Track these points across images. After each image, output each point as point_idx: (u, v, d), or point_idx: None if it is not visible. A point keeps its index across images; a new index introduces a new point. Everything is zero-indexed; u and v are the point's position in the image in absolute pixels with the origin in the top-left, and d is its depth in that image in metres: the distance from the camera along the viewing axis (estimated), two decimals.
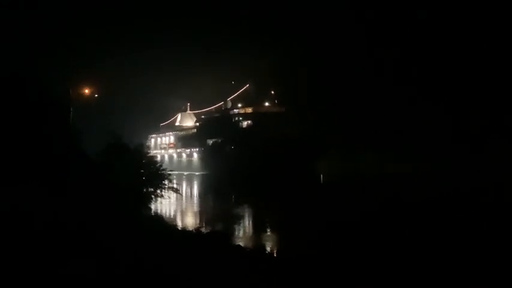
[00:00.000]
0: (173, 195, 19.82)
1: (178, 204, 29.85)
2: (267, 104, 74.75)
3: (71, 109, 24.13)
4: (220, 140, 77.29)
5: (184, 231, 17.25)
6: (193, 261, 9.96)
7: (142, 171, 18.60)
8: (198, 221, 23.87)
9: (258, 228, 21.90)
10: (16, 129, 18.38)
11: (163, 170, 19.21)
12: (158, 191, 18.61)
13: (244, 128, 74.06)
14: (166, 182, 19.04)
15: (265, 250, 15.99)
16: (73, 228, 10.42)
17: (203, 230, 17.30)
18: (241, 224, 22.77)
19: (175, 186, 20.30)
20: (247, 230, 21.87)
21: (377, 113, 75.54)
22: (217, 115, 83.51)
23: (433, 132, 69.46)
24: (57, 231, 10.03)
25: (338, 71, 78.38)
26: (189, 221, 23.98)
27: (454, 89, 72.38)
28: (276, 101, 74.33)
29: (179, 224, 20.85)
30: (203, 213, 28.49)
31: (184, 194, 40.66)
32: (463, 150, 65.00)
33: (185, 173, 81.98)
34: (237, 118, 76.31)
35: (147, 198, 18.19)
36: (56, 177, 15.63)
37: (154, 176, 18.73)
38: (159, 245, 10.87)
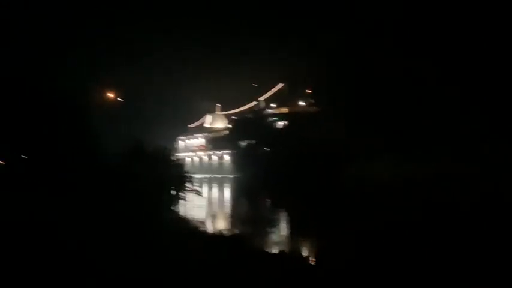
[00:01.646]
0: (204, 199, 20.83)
1: (208, 208, 29.45)
2: (302, 103, 71.26)
3: (92, 113, 24.36)
4: (253, 142, 74.31)
5: (206, 234, 16.65)
6: (202, 263, 9.56)
7: (164, 174, 18.51)
8: (224, 225, 22.42)
9: (290, 233, 20.43)
10: (34, 134, 19.46)
11: (186, 172, 19.67)
12: (181, 194, 18.86)
13: (279, 129, 70.76)
14: (188, 184, 19.33)
15: (288, 255, 14.36)
16: (95, 231, 10.70)
17: (227, 233, 16.52)
18: (274, 229, 20.88)
19: (198, 189, 20.44)
20: (278, 235, 19.89)
21: (415, 114, 71.25)
22: (250, 116, 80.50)
23: (472, 132, 65.36)
24: (78, 237, 10.20)
25: (376, 70, 74.41)
26: (216, 224, 22.60)
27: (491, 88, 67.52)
28: (311, 101, 70.77)
29: (205, 227, 19.38)
30: (234, 217, 26.92)
31: (216, 198, 40.99)
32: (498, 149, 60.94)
33: (217, 176, 79.73)
34: (271, 119, 73.08)
35: (170, 202, 18.26)
36: (75, 183, 15.96)
37: (177, 179, 18.93)
38: (173, 249, 10.48)
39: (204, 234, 16.20)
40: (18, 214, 12.51)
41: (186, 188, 19.42)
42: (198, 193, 20.48)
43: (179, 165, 21.26)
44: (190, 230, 15.96)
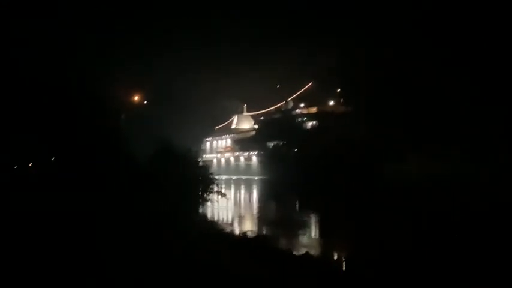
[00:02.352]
0: (231, 200, 21.30)
1: (234, 209, 29.27)
2: (331, 103, 69.63)
3: (122, 116, 25.45)
4: (282, 143, 73.05)
5: (229, 235, 16.21)
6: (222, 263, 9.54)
7: (190, 175, 18.67)
8: (250, 226, 21.71)
9: (321, 236, 19.76)
10: (71, 138, 20.35)
11: (211, 174, 19.73)
12: (205, 196, 19.06)
13: (308, 129, 69.31)
14: (213, 186, 19.50)
15: (314, 258, 13.60)
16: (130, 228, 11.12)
17: (251, 234, 16.01)
18: (303, 231, 20.34)
19: (222, 190, 20.59)
20: (307, 237, 19.29)
21: (448, 114, 68.88)
22: (277, 116, 79.30)
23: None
24: (113, 233, 10.63)
25: (408, 69, 72.34)
26: (242, 226, 21.86)
27: None
28: (341, 100, 69.05)
29: (230, 229, 18.65)
30: (260, 218, 26.01)
31: (242, 200, 40.25)
32: None
33: (244, 177, 78.82)
34: (300, 119, 71.68)
35: (196, 203, 18.52)
36: (107, 183, 16.52)
37: (202, 181, 19.16)
38: (195, 249, 10.48)
39: (228, 235, 15.82)
40: (58, 211, 13.21)
41: (211, 190, 19.61)
42: (223, 195, 20.57)
43: (204, 166, 21.51)
44: (214, 231, 15.70)
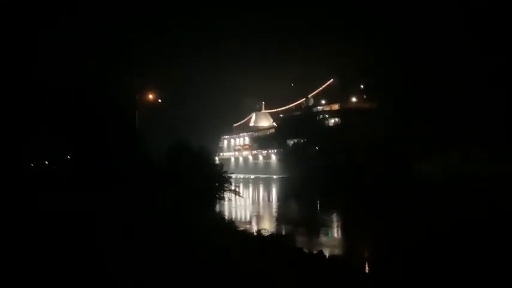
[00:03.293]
0: (249, 199, 21.60)
1: (253, 209, 29.11)
2: (354, 99, 67.40)
3: (139, 116, 25.06)
4: (302, 140, 71.16)
5: (243, 233, 15.70)
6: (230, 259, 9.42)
7: (205, 174, 18.72)
8: (266, 225, 20.66)
9: (338, 236, 19.11)
10: (84, 138, 20.64)
11: (225, 172, 19.74)
12: (221, 194, 19.19)
13: (331, 126, 67.25)
14: (227, 184, 19.62)
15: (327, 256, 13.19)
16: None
17: (264, 232, 15.74)
18: (320, 231, 19.60)
19: (237, 189, 20.92)
20: (324, 237, 18.57)
21: (476, 112, 66.68)
22: (298, 113, 77.33)
23: None
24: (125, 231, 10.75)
25: (433, 65, 70.23)
26: (259, 225, 20.91)
27: None
28: (364, 97, 66.86)
29: (245, 228, 17.84)
30: (278, 218, 24.92)
31: (260, 198, 39.38)
32: None
33: (262, 176, 77.23)
34: (321, 116, 69.63)
35: (210, 201, 18.52)
36: (125, 182, 16.75)
37: (217, 179, 19.16)
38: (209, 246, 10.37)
39: (241, 233, 15.45)
40: (74, 209, 13.28)
41: (226, 188, 19.75)
42: (238, 193, 20.83)
43: (219, 165, 21.71)
44: (227, 229, 15.51)
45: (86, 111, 21.92)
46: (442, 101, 65.83)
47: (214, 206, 19.62)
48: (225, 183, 19.92)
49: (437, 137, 60.09)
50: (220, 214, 20.37)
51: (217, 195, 19.45)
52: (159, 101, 33.37)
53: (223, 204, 22.47)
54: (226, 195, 20.47)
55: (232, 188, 20.61)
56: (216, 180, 19.54)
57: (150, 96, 30.90)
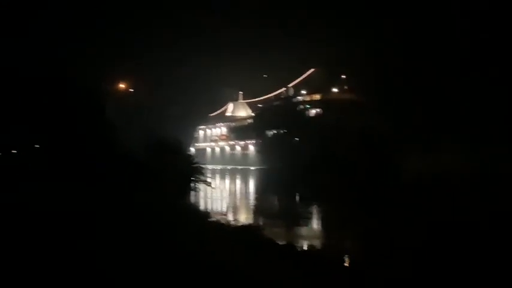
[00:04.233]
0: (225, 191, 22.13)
1: (227, 201, 28.59)
2: (336, 90, 66.10)
3: (111, 106, 25.20)
4: (282, 131, 69.62)
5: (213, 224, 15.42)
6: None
7: (175, 165, 18.58)
8: (238, 217, 20.36)
9: (313, 228, 18.44)
10: (53, 127, 20.36)
11: (197, 163, 20.22)
12: (192, 185, 19.16)
13: (312, 117, 65.80)
14: (200, 176, 19.76)
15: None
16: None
17: (235, 223, 16.03)
18: (296, 223, 18.81)
19: (208, 180, 20.98)
20: (298, 229, 17.71)
21: (464, 106, 66.39)
22: (277, 103, 75.66)
23: None
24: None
25: (418, 56, 69.70)
26: (231, 216, 20.23)
27: None
28: (345, 87, 65.64)
29: (217, 219, 17.33)
30: (253, 210, 24.22)
31: (236, 190, 38.75)
32: None
33: (240, 167, 75.67)
34: (302, 106, 68.10)
35: (182, 192, 18.33)
36: (95, 172, 16.45)
37: (188, 170, 19.21)
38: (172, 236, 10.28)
39: (211, 223, 15.27)
40: (45, 202, 12.73)
41: (197, 179, 19.76)
42: (208, 184, 20.87)
43: (191, 156, 22.36)
44: (198, 220, 15.17)
45: (55, 99, 21.68)
46: (430, 96, 65.42)
47: (187, 197, 19.46)
48: (198, 174, 19.89)
49: (422, 133, 59.53)
50: (193, 205, 20.03)
51: (189, 187, 19.31)
52: (131, 90, 32.88)
53: (200, 197, 22.59)
54: (202, 186, 20.56)
55: (205, 179, 20.62)
56: (188, 171, 19.47)
57: (122, 86, 30.26)
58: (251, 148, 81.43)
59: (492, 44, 68.28)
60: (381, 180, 43.54)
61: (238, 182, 50.52)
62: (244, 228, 14.78)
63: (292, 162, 58.23)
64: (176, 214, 13.91)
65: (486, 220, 17.23)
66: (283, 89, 77.49)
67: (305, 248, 13.19)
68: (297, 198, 31.62)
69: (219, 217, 18.03)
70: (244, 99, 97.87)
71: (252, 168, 73.21)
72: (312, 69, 71.86)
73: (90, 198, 13.55)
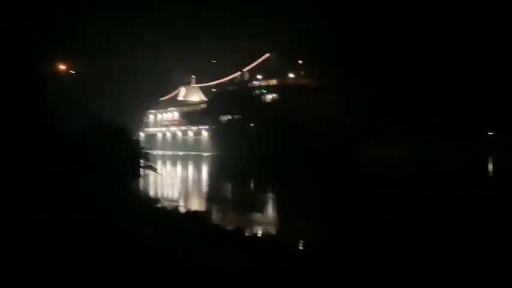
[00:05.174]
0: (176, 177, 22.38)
1: (180, 188, 28.15)
2: (292, 75, 64.86)
3: (51, 86, 23.55)
4: (237, 116, 67.90)
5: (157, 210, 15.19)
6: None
7: (119, 150, 18.30)
8: (184, 203, 20.02)
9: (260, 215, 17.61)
10: None
11: (142, 148, 19.84)
12: (136, 170, 18.96)
13: (268, 102, 64.37)
14: (145, 161, 19.45)
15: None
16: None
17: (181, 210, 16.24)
18: (245, 209, 18.40)
19: (153, 165, 20.65)
20: (247, 215, 17.20)
21: (415, 93, 67.36)
22: (232, 88, 73.60)
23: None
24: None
25: (373, 45, 69.85)
26: (177, 203, 19.69)
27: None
28: (302, 73, 64.61)
29: (161, 205, 16.92)
30: (205, 197, 23.43)
31: (190, 177, 37.12)
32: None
33: (192, 153, 73.40)
34: (258, 91, 66.46)
35: (125, 178, 18.03)
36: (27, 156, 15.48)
37: (132, 155, 18.93)
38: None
39: (152, 210, 14.91)
40: None
41: (143, 165, 19.52)
42: (155, 170, 20.87)
43: (135, 141, 21.59)
44: (140, 206, 14.75)
45: None
46: (384, 83, 65.56)
47: (130, 184, 18.80)
48: (144, 160, 19.49)
49: (376, 121, 59.67)
50: (135, 192, 19.33)
51: (134, 173, 18.95)
52: (73, 72, 31.81)
53: (147, 183, 22.60)
54: (152, 175, 20.54)
55: (151, 164, 20.26)
56: (133, 157, 19.09)
57: (63, 67, 29.13)
58: (204, 134, 79.13)
59: (448, 28, 69.97)
60: (336, 167, 43.66)
61: (190, 168, 48.59)
62: (188, 213, 14.84)
63: (247, 149, 56.88)
64: (113, 200, 13.39)
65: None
66: (238, 73, 75.43)
67: (248, 233, 12.93)
68: (252, 185, 30.34)
69: (164, 203, 17.68)
70: (197, 83, 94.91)
71: (205, 154, 71.21)
72: (268, 54, 70.21)
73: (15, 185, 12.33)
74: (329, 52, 64.37)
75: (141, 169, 19.41)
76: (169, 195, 23.16)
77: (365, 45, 66.72)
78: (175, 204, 18.48)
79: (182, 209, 16.64)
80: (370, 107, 57.83)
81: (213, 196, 23.23)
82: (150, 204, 16.00)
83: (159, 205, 16.53)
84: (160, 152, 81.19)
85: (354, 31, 66.22)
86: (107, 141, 17.87)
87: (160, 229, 10.63)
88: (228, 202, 21.29)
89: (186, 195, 24.53)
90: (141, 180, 20.52)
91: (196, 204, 20.13)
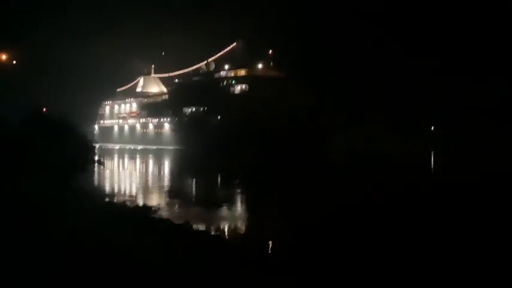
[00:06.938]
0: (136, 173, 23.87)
1: (138, 183, 26.78)
2: (260, 66, 61.70)
3: None
4: (202, 108, 64.17)
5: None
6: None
7: (63, 144, 16.95)
8: (136, 199, 19.36)
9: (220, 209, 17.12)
10: None
11: (88, 142, 19.32)
12: (83, 164, 18.54)
13: (236, 94, 60.95)
14: (91, 155, 19.28)
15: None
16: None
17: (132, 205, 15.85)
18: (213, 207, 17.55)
19: (100, 159, 20.70)
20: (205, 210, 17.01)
21: (382, 86, 66.94)
22: (197, 79, 69.61)
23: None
24: None
25: (340, 37, 69.02)
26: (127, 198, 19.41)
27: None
28: (271, 64, 61.64)
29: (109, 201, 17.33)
30: (162, 193, 22.34)
31: (150, 172, 35.38)
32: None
33: (152, 147, 69.10)
34: (225, 82, 62.86)
35: (70, 173, 16.97)
36: None
37: (78, 149, 18.12)
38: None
39: (98, 204, 14.92)
40: None
41: (90, 159, 19.15)
42: (101, 163, 21.13)
43: (83, 134, 20.61)
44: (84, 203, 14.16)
45: None
46: (354, 74, 64.53)
47: (76, 179, 17.89)
48: (91, 155, 19.07)
49: (345, 111, 58.23)
50: (82, 188, 18.09)
51: (80, 168, 18.15)
52: (14, 62, 30.23)
53: (106, 178, 22.87)
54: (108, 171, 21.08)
55: (99, 159, 20.10)
56: (80, 151, 18.23)
57: (3, 57, 27.83)
58: (166, 126, 74.74)
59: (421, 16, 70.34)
60: (305, 158, 41.99)
61: (150, 163, 45.22)
62: (137, 208, 14.90)
63: (212, 142, 53.62)
64: (56, 195, 12.83)
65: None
66: (203, 63, 71.47)
67: (197, 227, 12.74)
68: (217, 180, 28.66)
69: (112, 199, 17.68)
70: (157, 74, 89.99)
71: (167, 148, 67.05)
72: (235, 43, 66.70)
73: None
74: (297, 42, 62.29)
75: (86, 164, 18.86)
76: (120, 191, 22.74)
77: (331, 37, 65.81)
78: (108, 199, 18.26)
79: (133, 204, 16.20)
80: (333, 100, 56.33)
81: (168, 191, 22.73)
82: (93, 199, 15.77)
83: (107, 200, 16.57)
84: (116, 146, 76.23)
85: (322, 21, 64.91)
86: (49, 134, 16.81)
87: (104, 223, 10.19)
88: (190, 197, 21.21)
89: (136, 190, 23.69)
90: (83, 175, 19.41)
91: (157, 200, 19.26)
